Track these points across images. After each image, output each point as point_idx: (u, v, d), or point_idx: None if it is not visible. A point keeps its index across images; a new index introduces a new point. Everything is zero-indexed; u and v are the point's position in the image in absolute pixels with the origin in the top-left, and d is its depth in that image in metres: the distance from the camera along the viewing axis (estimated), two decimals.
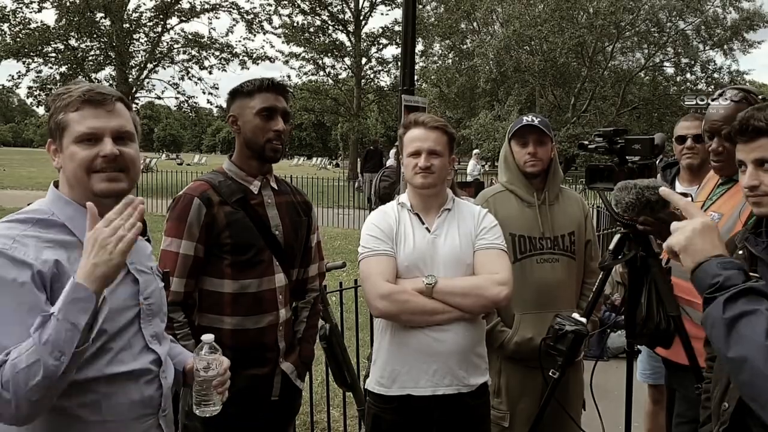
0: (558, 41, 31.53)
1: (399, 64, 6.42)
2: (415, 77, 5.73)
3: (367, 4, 32.99)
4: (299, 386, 2.66)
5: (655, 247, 2.70)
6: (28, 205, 1.75)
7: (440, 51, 40.07)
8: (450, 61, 39.69)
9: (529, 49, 33.83)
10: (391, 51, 41.45)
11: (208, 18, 28.36)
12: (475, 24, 38.65)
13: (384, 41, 33.09)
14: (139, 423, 1.75)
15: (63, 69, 25.86)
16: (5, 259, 1.55)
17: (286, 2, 31.13)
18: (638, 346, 3.08)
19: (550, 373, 2.70)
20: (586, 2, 32.23)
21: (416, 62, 5.86)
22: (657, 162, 3.54)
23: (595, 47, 33.58)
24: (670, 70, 37.40)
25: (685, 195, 2.67)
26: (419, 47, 34.86)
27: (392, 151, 6.29)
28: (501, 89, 35.43)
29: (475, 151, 24.47)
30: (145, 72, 27.50)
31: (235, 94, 2.55)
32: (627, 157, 2.66)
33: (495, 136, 31.44)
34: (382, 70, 34.00)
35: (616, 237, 2.73)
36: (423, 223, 2.64)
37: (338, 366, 3.51)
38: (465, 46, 38.90)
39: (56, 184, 1.77)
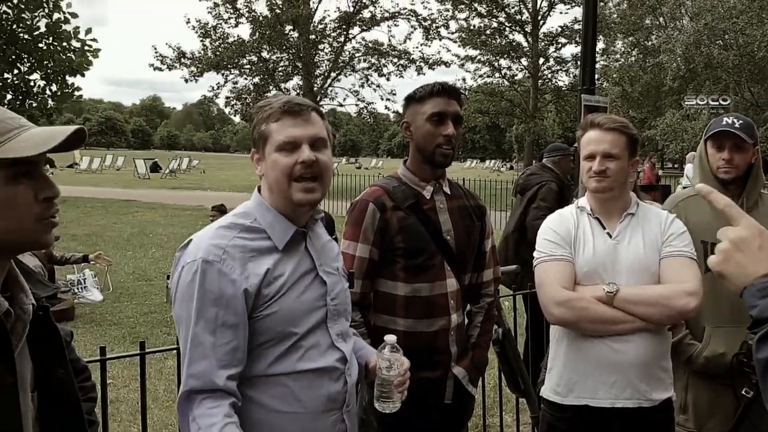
0: (756, 34, 28.82)
1: (578, 63, 6.24)
2: (596, 76, 5.53)
3: (545, 3, 32.33)
4: (471, 391, 2.65)
5: None
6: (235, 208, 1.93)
7: (623, 48, 38.31)
8: (633, 58, 37.77)
9: (722, 44, 31.29)
10: (570, 50, 40.33)
11: (388, 26, 29.23)
12: (661, 19, 36.51)
13: (563, 40, 32.32)
14: (325, 417, 1.84)
15: (256, 80, 27.92)
16: (216, 273, 1.71)
17: (462, 6, 31.29)
18: None
19: (744, 392, 2.49)
20: None
21: (597, 61, 5.66)
22: None
23: None
24: None
25: None
26: (600, 45, 33.47)
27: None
28: (690, 87, 33.11)
29: (693, 153, 22.84)
30: (329, 81, 28.91)
31: (409, 100, 2.59)
32: None
33: (683, 136, 29.44)
34: (561, 69, 33.22)
35: None
36: (604, 228, 2.54)
37: (511, 371, 3.47)
38: (650, 43, 36.88)
39: (259, 189, 1.91)
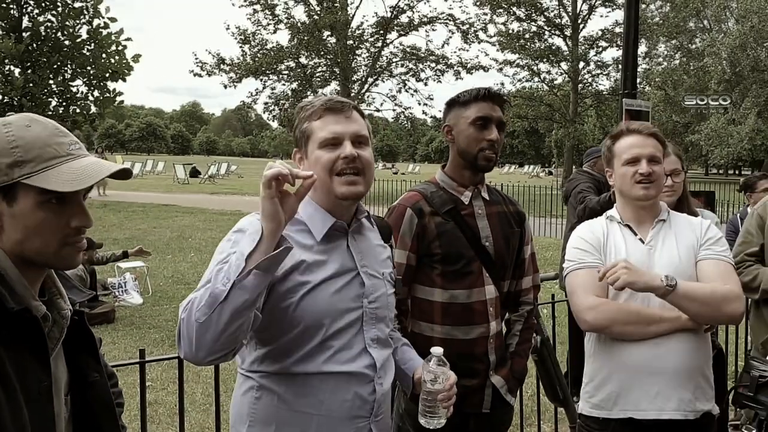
0: None
1: (620, 66, 6.16)
2: (638, 80, 5.45)
3: (585, 6, 32.01)
4: (510, 401, 2.61)
5: None
6: None
7: (665, 52, 37.75)
8: (677, 62, 37.13)
9: None
10: (612, 54, 39.89)
11: (426, 31, 29.21)
12: (705, 22, 35.82)
13: (603, 44, 31.95)
14: (350, 424, 1.82)
15: (294, 85, 28.12)
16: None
17: (501, 10, 31.13)
18: None
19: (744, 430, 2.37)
20: None
21: (638, 64, 5.58)
22: None
23: None
24: None
25: None
26: (642, 48, 33.01)
27: None
28: (735, 91, 32.40)
29: None
30: (366, 86, 29.01)
31: (452, 104, 2.56)
32: None
33: (728, 141, 28.77)
34: (601, 73, 32.85)
35: None
36: (636, 235, 2.49)
37: (550, 380, 3.41)
38: (693, 46, 36.21)
39: None
